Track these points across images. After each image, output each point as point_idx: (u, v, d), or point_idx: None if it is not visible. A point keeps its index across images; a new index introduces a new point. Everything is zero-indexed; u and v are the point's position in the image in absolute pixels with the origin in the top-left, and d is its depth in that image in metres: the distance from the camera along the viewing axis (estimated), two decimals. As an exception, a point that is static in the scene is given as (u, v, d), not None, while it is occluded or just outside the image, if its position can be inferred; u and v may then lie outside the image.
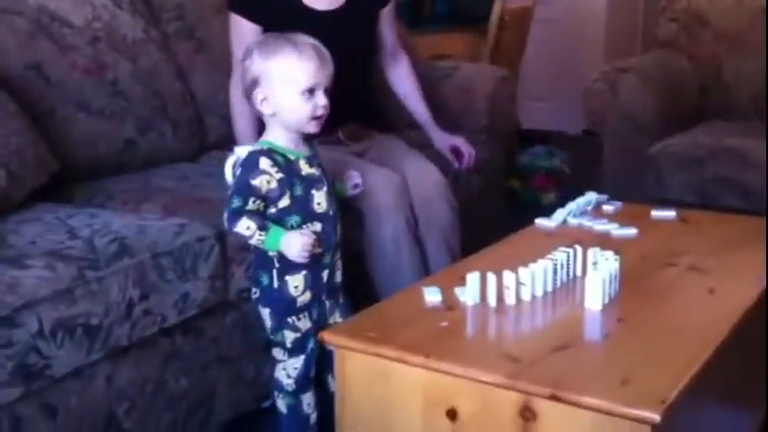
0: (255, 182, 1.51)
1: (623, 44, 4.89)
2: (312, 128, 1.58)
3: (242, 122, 2.02)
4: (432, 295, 1.43)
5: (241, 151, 1.59)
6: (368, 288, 1.88)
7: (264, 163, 1.53)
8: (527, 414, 1.16)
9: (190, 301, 1.59)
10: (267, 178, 1.52)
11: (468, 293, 1.42)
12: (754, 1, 2.92)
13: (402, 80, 2.29)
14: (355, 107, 2.09)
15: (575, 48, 4.92)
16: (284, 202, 1.55)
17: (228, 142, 2.30)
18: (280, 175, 1.53)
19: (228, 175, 1.59)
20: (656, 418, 1.06)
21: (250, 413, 1.80)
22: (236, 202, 1.51)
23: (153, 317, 1.53)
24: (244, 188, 1.51)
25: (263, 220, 1.52)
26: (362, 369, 1.32)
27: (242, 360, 1.75)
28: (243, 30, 2.01)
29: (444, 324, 1.34)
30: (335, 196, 1.66)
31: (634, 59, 2.91)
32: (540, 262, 1.47)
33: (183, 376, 1.63)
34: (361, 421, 1.34)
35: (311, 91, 1.55)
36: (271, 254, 1.55)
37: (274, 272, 1.56)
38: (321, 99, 1.56)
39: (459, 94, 2.72)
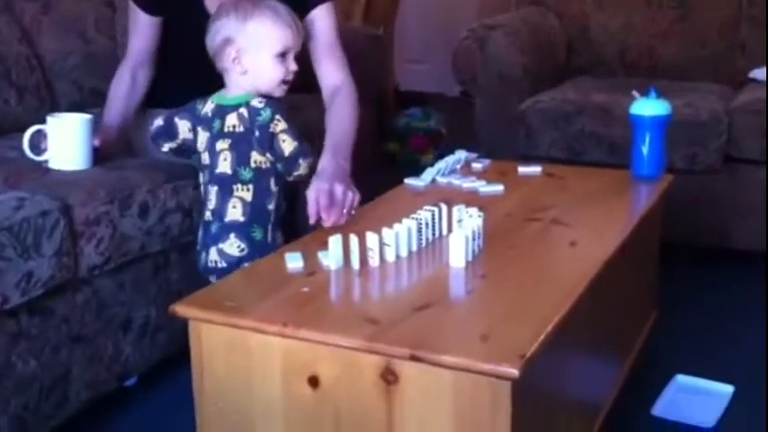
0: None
1: (497, 4, 4.91)
2: (280, 92, 1.67)
3: (113, 108, 1.91)
4: (293, 261, 1.38)
5: None
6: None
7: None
8: (389, 377, 1.13)
9: (34, 281, 1.47)
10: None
11: (330, 257, 1.37)
12: (620, -42, 2.97)
13: (332, 109, 1.86)
14: None
15: (450, 8, 4.92)
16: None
17: (81, 108, 2.17)
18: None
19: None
20: (515, 372, 1.04)
21: (112, 393, 1.71)
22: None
23: (-8, 298, 1.41)
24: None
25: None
26: (220, 341, 1.25)
27: (98, 338, 1.65)
28: (139, 18, 1.90)
29: (305, 290, 1.29)
30: None
31: (502, 17, 2.92)
32: (405, 221, 1.43)
33: (33, 359, 1.52)
34: (222, 395, 1.27)
35: (284, 55, 1.64)
36: (269, 207, 1.63)
37: (269, 226, 1.63)
38: (292, 64, 1.66)
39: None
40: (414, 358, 1.10)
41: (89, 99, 2.24)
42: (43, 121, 1.75)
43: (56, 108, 2.16)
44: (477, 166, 1.95)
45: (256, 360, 1.23)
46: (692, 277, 2.39)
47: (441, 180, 1.84)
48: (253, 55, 1.63)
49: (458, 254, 1.36)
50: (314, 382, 1.18)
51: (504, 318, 1.19)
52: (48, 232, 1.49)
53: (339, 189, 1.56)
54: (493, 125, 2.70)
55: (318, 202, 1.54)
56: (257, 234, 1.62)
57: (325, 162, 1.66)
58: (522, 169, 1.92)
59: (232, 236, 1.61)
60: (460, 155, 1.99)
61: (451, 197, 1.71)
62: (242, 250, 1.61)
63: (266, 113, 1.61)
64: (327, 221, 1.53)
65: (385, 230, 1.39)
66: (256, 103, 1.62)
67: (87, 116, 1.74)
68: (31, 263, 1.47)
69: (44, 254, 1.49)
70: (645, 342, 1.87)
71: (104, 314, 1.65)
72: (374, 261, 1.37)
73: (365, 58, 2.67)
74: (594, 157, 2.45)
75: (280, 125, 1.61)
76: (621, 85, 2.65)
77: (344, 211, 1.56)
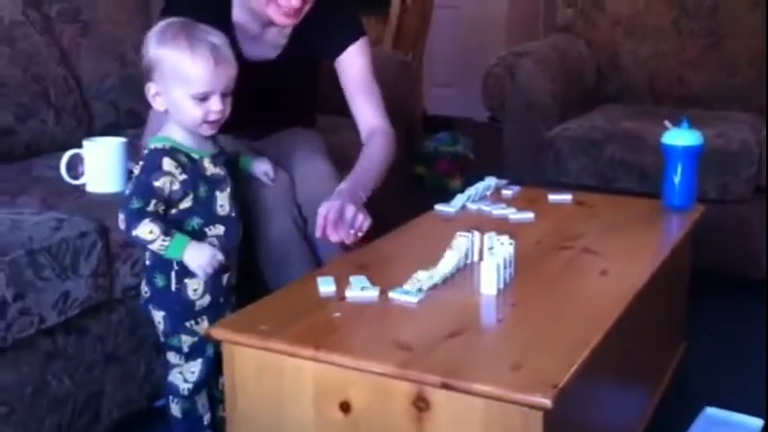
0: (158, 183, 1.43)
1: (526, 30, 4.95)
2: (205, 131, 1.49)
3: (149, 132, 1.81)
4: (325, 285, 1.39)
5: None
6: (258, 286, 1.80)
7: (168, 164, 1.44)
8: (420, 404, 1.14)
9: (71, 301, 1.50)
10: (170, 179, 1.44)
11: (362, 282, 1.38)
12: (649, -15, 2.98)
13: (368, 149, 1.87)
14: (279, 126, 2.00)
15: (478, 34, 4.95)
16: (186, 203, 1.47)
17: (118, 129, 2.21)
18: (183, 177, 1.46)
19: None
20: (548, 402, 1.04)
21: (142, 412, 1.73)
22: (137, 204, 1.42)
23: (30, 317, 1.44)
24: (145, 189, 1.43)
25: (167, 226, 1.44)
26: (253, 364, 1.27)
27: (131, 358, 1.67)
28: None
29: (337, 314, 1.30)
30: (241, 168, 1.64)
31: (531, 44, 2.93)
32: (449, 254, 1.45)
33: (67, 377, 1.55)
34: (254, 418, 1.29)
35: (204, 97, 1.45)
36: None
37: (173, 274, 1.49)
38: (215, 104, 1.45)
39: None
40: (445, 386, 1.10)
41: (125, 120, 2.28)
42: (80, 142, 1.79)
43: (92, 128, 2.19)
44: (506, 192, 1.96)
45: (288, 383, 1.24)
46: (721, 307, 2.37)
47: (471, 206, 1.85)
48: (171, 92, 1.45)
49: (489, 281, 1.37)
50: (345, 407, 1.19)
51: (536, 347, 1.19)
52: (85, 253, 1.52)
53: (351, 209, 1.56)
54: (521, 151, 2.70)
55: (327, 217, 1.54)
56: (159, 280, 1.51)
57: (343, 185, 1.67)
58: (552, 197, 1.92)
59: (144, 276, 1.54)
60: (490, 181, 1.99)
61: (482, 224, 1.72)
62: (146, 293, 1.53)
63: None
64: (333, 236, 1.53)
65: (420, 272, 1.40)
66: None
67: (122, 140, 1.77)
68: (69, 283, 1.49)
69: (81, 274, 1.52)
70: (674, 373, 1.86)
71: (137, 334, 1.67)
72: (408, 286, 1.38)
73: (394, 83, 2.69)
74: (624, 184, 2.45)
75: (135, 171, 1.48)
76: (651, 113, 2.66)
77: (351, 231, 1.55)
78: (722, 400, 1.84)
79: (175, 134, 1.49)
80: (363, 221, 1.57)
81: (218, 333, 1.29)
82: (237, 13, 1.86)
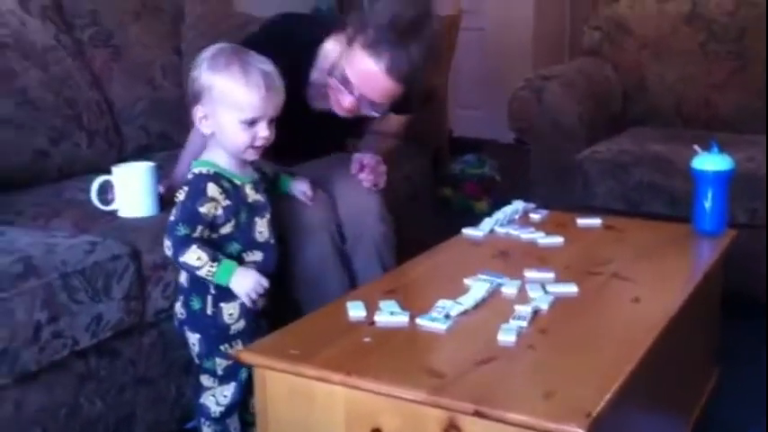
0: (203, 209, 1.45)
1: (551, 53, 4.95)
2: (249, 156, 1.51)
3: (186, 159, 1.84)
4: (355, 310, 1.39)
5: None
6: (290, 308, 1.81)
7: (213, 189, 1.47)
8: (452, 431, 1.13)
9: (103, 323, 1.52)
10: (214, 205, 1.46)
11: (392, 307, 1.38)
12: (676, 8, 2.97)
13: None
14: (320, 155, 2.05)
15: (504, 56, 4.95)
16: (227, 228, 1.49)
17: (148, 152, 2.23)
18: (227, 202, 1.48)
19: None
20: (582, 432, 1.04)
21: (171, 435, 1.74)
22: (183, 230, 1.44)
23: (63, 340, 1.45)
24: (191, 215, 1.45)
25: (214, 252, 1.45)
26: (284, 388, 1.27)
27: (162, 380, 1.68)
28: None
29: (367, 340, 1.30)
30: (280, 188, 1.69)
31: (558, 67, 2.93)
32: (476, 285, 1.46)
33: (99, 399, 1.56)
34: (284, 443, 1.29)
35: (253, 122, 1.48)
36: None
37: (209, 298, 1.50)
38: (263, 130, 1.48)
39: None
40: (478, 414, 1.10)
41: (156, 143, 2.30)
42: (111, 165, 1.80)
43: (123, 151, 2.22)
44: (534, 216, 1.96)
45: (319, 408, 1.24)
46: (752, 333, 2.34)
47: (499, 230, 1.85)
48: (219, 116, 1.48)
49: (521, 306, 1.36)
50: (377, 433, 1.19)
51: (568, 375, 1.19)
52: (118, 276, 1.54)
53: (375, 158, 1.87)
54: (548, 174, 2.70)
55: (363, 161, 1.85)
56: (194, 303, 1.52)
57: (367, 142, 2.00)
58: (581, 221, 1.92)
59: (181, 298, 1.55)
60: (518, 205, 1.99)
61: (510, 248, 1.72)
62: (182, 314, 1.55)
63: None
64: (365, 179, 1.84)
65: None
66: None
67: (151, 164, 1.78)
68: (101, 306, 1.51)
69: (114, 297, 1.53)
70: (707, 399, 1.83)
71: (168, 357, 1.68)
72: (436, 313, 1.38)
73: (423, 109, 2.70)
74: (653, 208, 2.44)
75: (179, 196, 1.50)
76: (679, 137, 2.64)
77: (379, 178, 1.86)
78: (755, 428, 1.82)
79: (218, 158, 1.51)
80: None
81: (249, 357, 1.29)
82: (316, 75, 1.89)
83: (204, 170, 1.49)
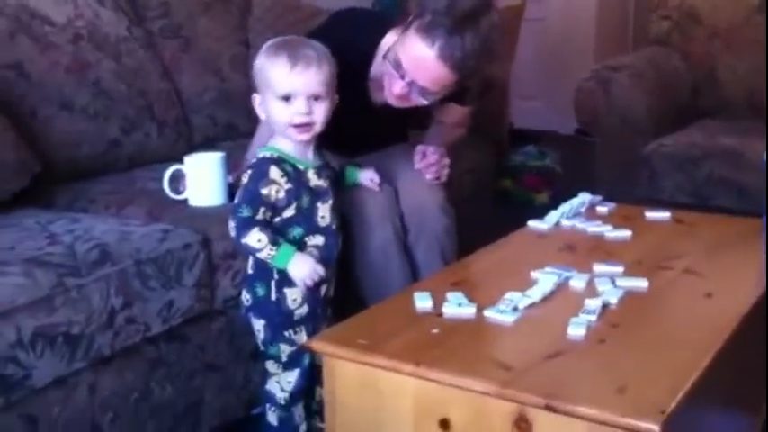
0: (265, 191, 1.48)
1: (614, 42, 4.87)
2: (295, 135, 1.51)
3: (256, 145, 1.87)
4: (422, 301, 1.40)
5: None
6: (352, 298, 1.82)
7: (274, 172, 1.49)
8: (522, 424, 1.13)
9: (174, 310, 1.55)
10: (276, 188, 1.49)
11: (459, 299, 1.38)
12: (748, -2, 2.90)
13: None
14: (381, 147, 2.05)
15: (566, 46, 4.89)
16: (289, 212, 1.51)
17: (215, 142, 2.27)
18: (288, 186, 1.50)
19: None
20: (656, 428, 1.02)
21: (239, 420, 1.76)
22: (246, 212, 1.46)
23: (136, 325, 1.49)
24: (253, 197, 1.47)
25: (275, 235, 1.48)
26: (353, 377, 1.28)
27: (229, 367, 1.71)
28: None
29: (435, 331, 1.31)
30: (347, 179, 1.71)
31: (626, 58, 2.88)
32: (544, 277, 1.45)
33: (169, 384, 1.59)
34: (352, 431, 1.30)
35: (287, 98, 1.49)
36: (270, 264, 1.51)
37: (273, 283, 1.52)
38: (300, 106, 1.49)
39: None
40: (549, 408, 1.09)
41: (223, 133, 2.34)
42: (180, 155, 1.84)
43: (192, 142, 2.26)
44: (601, 209, 1.93)
45: (388, 399, 1.25)
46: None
47: (565, 223, 1.83)
48: (265, 98, 1.52)
49: (591, 300, 1.35)
50: (445, 424, 1.19)
51: (640, 370, 1.17)
52: (189, 264, 1.57)
53: (438, 151, 1.86)
54: (614, 167, 2.66)
55: (426, 153, 1.85)
56: (259, 289, 1.54)
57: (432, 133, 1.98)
58: (650, 214, 1.88)
59: (246, 285, 1.58)
60: (584, 197, 1.96)
61: (577, 242, 1.70)
62: (247, 301, 1.57)
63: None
64: (428, 171, 1.85)
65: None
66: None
67: (221, 154, 1.82)
68: (173, 293, 1.54)
69: (185, 284, 1.56)
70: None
71: (236, 344, 1.71)
72: (502, 305, 1.37)
73: (485, 99, 2.68)
74: (722, 202, 2.39)
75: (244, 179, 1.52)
76: (750, 129, 2.58)
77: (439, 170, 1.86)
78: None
79: (283, 145, 1.54)
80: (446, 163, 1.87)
81: (318, 345, 1.31)
82: (376, 69, 1.90)
83: (268, 154, 1.52)
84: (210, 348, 1.66)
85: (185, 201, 1.78)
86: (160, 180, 1.80)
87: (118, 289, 1.45)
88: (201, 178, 1.78)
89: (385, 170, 1.88)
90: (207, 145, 2.23)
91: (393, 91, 1.77)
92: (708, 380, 1.18)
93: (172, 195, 1.79)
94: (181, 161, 1.80)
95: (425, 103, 1.79)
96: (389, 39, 1.85)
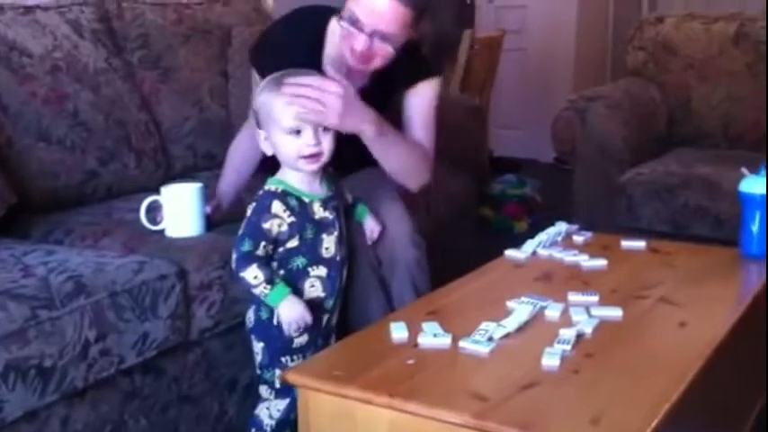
0: (266, 225, 1.48)
1: (593, 73, 4.93)
2: (304, 167, 1.51)
3: (227, 176, 1.92)
4: (398, 331, 1.40)
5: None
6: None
7: (277, 206, 1.49)
8: (496, 456, 1.13)
9: (149, 342, 1.54)
10: (278, 222, 1.49)
11: (434, 329, 1.38)
12: (723, 29, 2.95)
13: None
14: (354, 165, 1.99)
15: (545, 76, 4.95)
16: (293, 243, 1.52)
17: (194, 172, 2.27)
18: (291, 219, 1.50)
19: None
20: (628, 459, 1.03)
21: (214, 453, 1.75)
22: (247, 246, 1.47)
23: (110, 358, 1.48)
24: (254, 231, 1.48)
25: (272, 274, 1.49)
26: (327, 409, 1.27)
27: (205, 398, 1.70)
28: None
29: (410, 362, 1.30)
30: (357, 216, 1.70)
31: (602, 88, 2.92)
32: (519, 308, 1.46)
33: (143, 417, 1.58)
34: (327, 463, 1.29)
35: (297, 131, 1.50)
36: None
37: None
38: (308, 138, 1.49)
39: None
40: (523, 439, 1.09)
41: (202, 163, 2.34)
42: (159, 185, 1.84)
43: (171, 171, 2.26)
44: (578, 239, 1.94)
45: (363, 430, 1.24)
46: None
47: (542, 252, 1.84)
48: (270, 134, 1.52)
49: (565, 330, 1.36)
50: (420, 456, 1.19)
51: (614, 400, 1.17)
52: (164, 295, 1.56)
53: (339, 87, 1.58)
54: (591, 196, 2.68)
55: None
56: (263, 313, 1.55)
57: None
58: (626, 243, 1.90)
59: (252, 306, 1.58)
60: (561, 227, 1.98)
61: (553, 271, 1.71)
62: (251, 322, 1.57)
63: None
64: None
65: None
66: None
67: (199, 185, 1.81)
68: (147, 324, 1.53)
69: (160, 316, 1.55)
70: (752, 428, 1.80)
71: (212, 375, 1.69)
72: (479, 336, 1.37)
73: (464, 128, 2.71)
74: (699, 231, 2.41)
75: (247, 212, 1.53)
76: (726, 158, 2.61)
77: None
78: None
79: (289, 177, 1.54)
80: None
81: (293, 378, 1.30)
82: (329, 51, 1.88)
83: (273, 188, 1.53)
84: (186, 380, 1.65)
85: (162, 231, 1.78)
86: (137, 211, 1.80)
87: (92, 321, 1.44)
88: (178, 209, 1.78)
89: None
90: (186, 175, 2.23)
91: (356, 49, 1.72)
92: (682, 409, 1.19)
93: (149, 226, 1.78)
94: (159, 191, 1.80)
95: (390, 50, 1.74)
96: (334, 23, 1.83)
